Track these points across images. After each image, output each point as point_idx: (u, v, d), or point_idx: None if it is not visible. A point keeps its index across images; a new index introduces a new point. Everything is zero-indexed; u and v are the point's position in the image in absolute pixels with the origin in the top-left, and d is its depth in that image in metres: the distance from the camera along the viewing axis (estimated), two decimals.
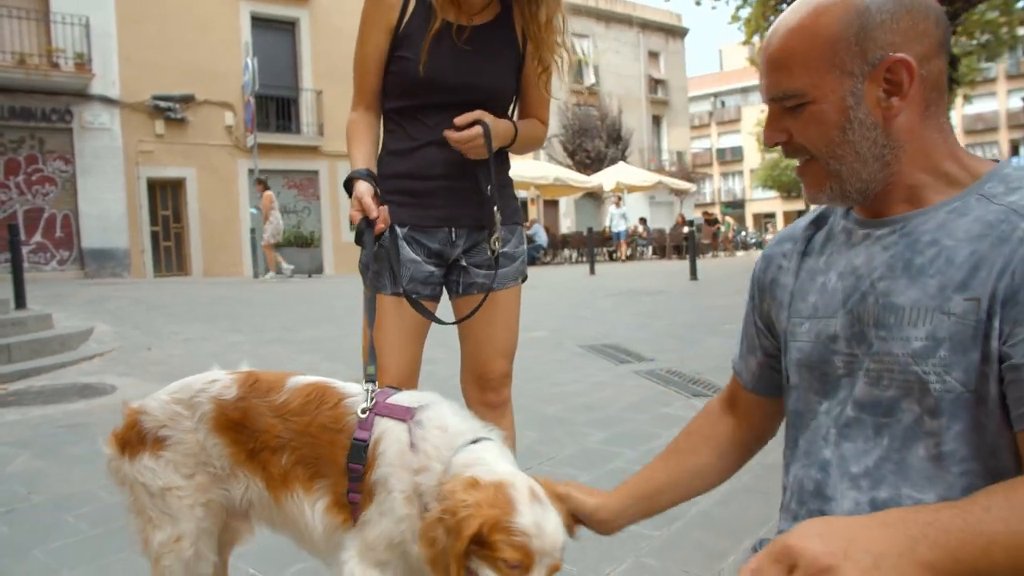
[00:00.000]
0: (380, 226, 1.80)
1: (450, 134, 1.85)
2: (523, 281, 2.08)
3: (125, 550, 2.44)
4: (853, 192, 1.08)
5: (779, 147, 1.11)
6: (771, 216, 58.88)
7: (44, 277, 15.55)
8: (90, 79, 16.72)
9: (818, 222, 1.23)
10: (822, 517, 0.87)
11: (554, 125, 30.59)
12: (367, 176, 1.87)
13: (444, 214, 1.93)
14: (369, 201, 1.81)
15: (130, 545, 2.46)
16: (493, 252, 1.93)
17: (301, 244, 16.16)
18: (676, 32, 37.70)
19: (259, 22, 19.67)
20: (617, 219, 23.54)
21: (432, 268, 1.96)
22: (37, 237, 16.68)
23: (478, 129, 1.85)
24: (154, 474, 1.50)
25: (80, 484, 3.14)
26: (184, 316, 8.70)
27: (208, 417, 1.49)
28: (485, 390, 2.01)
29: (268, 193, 14.87)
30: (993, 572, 0.78)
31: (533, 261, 23.18)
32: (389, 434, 1.38)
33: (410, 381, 1.92)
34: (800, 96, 1.04)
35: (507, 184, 2.06)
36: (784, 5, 12.33)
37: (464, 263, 1.97)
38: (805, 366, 1.15)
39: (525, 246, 2.09)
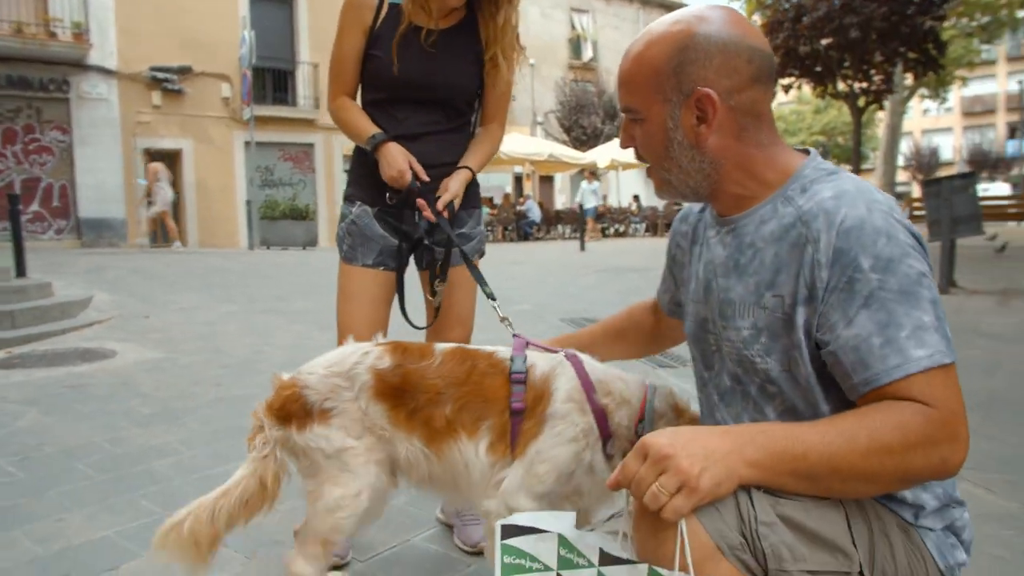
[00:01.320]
0: (429, 214, 2.11)
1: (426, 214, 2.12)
2: (480, 257, 2.34)
3: (130, 492, 2.73)
4: (688, 194, 1.30)
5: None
6: None
7: (42, 246, 15.74)
8: (87, 49, 16.81)
9: (704, 207, 1.43)
10: (679, 427, 1.11)
11: (550, 101, 30.65)
12: (392, 138, 2.12)
13: (407, 198, 2.16)
14: (419, 167, 2.10)
15: (134, 488, 2.75)
16: (435, 294, 2.19)
17: (296, 217, 16.35)
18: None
19: None
20: (587, 195, 21.95)
21: (398, 242, 2.21)
22: (34, 206, 16.89)
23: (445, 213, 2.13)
24: (328, 439, 1.64)
25: (87, 437, 3.41)
26: (180, 286, 8.96)
27: (368, 386, 1.64)
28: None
29: (152, 165, 15.00)
30: (810, 472, 1.04)
31: (526, 236, 23.39)
32: (563, 371, 1.59)
33: None
34: (635, 112, 1.26)
35: None
36: None
37: (426, 242, 2.22)
38: (692, 342, 1.41)
39: (482, 227, 2.35)
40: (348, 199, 2.28)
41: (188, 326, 6.43)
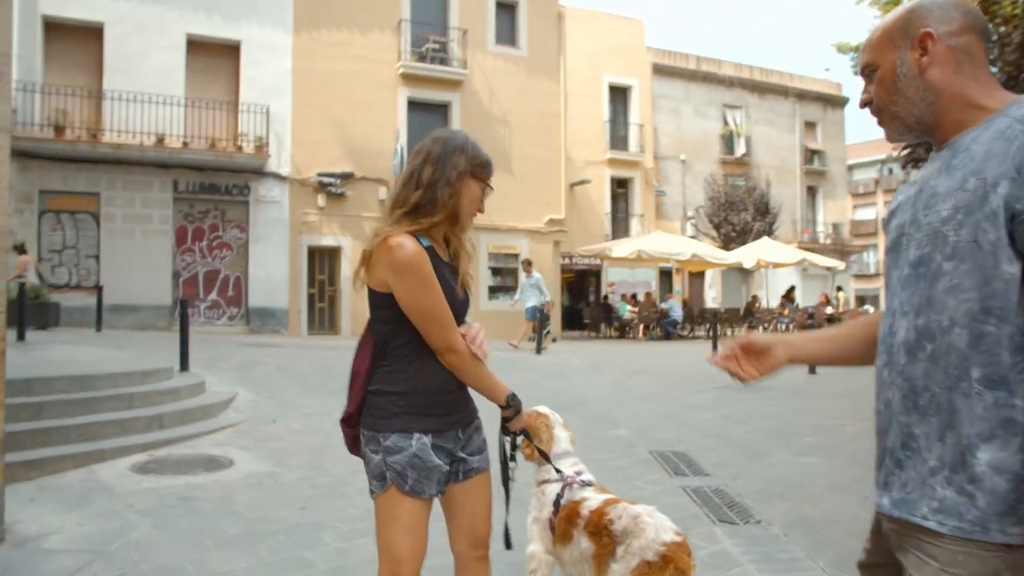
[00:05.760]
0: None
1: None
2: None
3: None
4: (913, 124, 1.58)
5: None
6: None
7: (216, 331, 17.66)
8: (266, 159, 18.98)
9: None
10: None
11: (700, 196, 30.70)
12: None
13: (456, 418, 2.38)
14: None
15: None
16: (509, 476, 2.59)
17: None
18: (835, 101, 36.86)
19: (415, 105, 21.50)
20: (528, 291, 17.58)
21: (447, 467, 2.39)
22: (213, 295, 18.94)
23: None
24: None
25: (178, 556, 3.94)
26: (316, 387, 9.77)
27: None
28: (478, 547, 2.47)
29: (22, 258, 14.62)
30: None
31: (668, 336, 23.23)
32: None
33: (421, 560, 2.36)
34: (872, 66, 1.61)
35: None
36: None
37: (462, 455, 2.41)
38: (889, 250, 1.66)
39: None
40: (403, 431, 2.28)
41: (306, 435, 7.07)
